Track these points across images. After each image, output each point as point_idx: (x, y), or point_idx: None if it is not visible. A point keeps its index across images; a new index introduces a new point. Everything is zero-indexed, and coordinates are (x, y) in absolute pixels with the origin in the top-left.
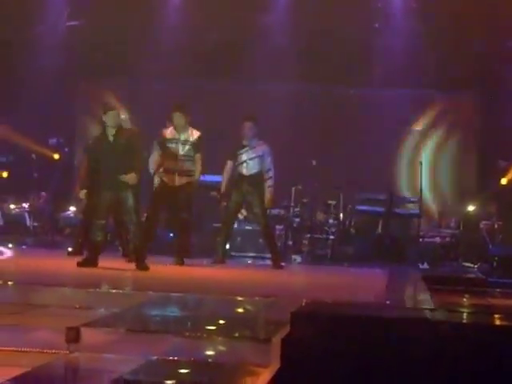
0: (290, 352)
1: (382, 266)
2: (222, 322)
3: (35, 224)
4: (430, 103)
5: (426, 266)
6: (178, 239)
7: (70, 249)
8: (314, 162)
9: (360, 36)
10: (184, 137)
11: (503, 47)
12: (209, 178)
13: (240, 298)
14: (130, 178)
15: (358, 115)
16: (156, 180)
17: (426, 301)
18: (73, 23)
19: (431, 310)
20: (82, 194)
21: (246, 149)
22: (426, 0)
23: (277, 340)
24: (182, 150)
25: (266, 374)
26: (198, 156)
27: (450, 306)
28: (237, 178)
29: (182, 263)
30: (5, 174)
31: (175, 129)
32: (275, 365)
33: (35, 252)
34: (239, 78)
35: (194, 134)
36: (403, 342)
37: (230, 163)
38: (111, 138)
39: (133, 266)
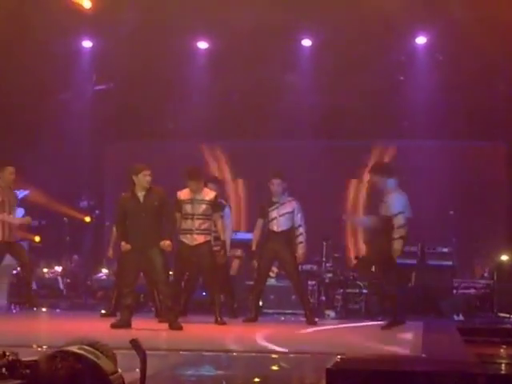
0: None
1: (417, 319)
2: (257, 380)
3: (68, 287)
4: (459, 153)
5: (461, 317)
6: (210, 299)
7: (103, 311)
8: (344, 217)
9: (385, 89)
10: (200, 196)
11: None
12: (240, 235)
13: (274, 356)
14: (167, 245)
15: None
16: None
17: (461, 353)
18: (100, 87)
19: (468, 362)
20: (110, 253)
21: (275, 205)
22: (451, 52)
23: None
24: (198, 209)
25: None
26: (216, 215)
27: (486, 357)
28: (268, 235)
29: (220, 322)
30: (37, 239)
31: (191, 190)
32: None
33: (69, 315)
34: (264, 137)
35: (210, 194)
36: None
37: (260, 221)
38: (141, 199)
39: (166, 325)
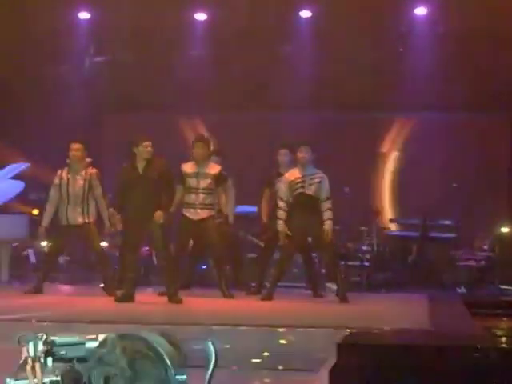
0: (338, 383)
1: (419, 291)
2: (266, 354)
3: (67, 261)
4: (459, 126)
5: (463, 290)
6: (217, 273)
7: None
8: (346, 189)
9: (385, 60)
10: (204, 170)
11: None
12: (240, 208)
13: (282, 329)
14: (157, 216)
15: (388, 140)
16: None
17: (470, 326)
18: (98, 59)
19: (478, 336)
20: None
21: (282, 177)
22: (452, 23)
23: (324, 371)
24: (203, 183)
25: None
26: (220, 189)
27: (494, 330)
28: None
29: (228, 296)
30: (35, 212)
31: (195, 162)
32: None
33: (69, 288)
34: (265, 108)
35: (215, 168)
36: (452, 369)
37: (267, 191)
38: (141, 171)
39: (165, 299)
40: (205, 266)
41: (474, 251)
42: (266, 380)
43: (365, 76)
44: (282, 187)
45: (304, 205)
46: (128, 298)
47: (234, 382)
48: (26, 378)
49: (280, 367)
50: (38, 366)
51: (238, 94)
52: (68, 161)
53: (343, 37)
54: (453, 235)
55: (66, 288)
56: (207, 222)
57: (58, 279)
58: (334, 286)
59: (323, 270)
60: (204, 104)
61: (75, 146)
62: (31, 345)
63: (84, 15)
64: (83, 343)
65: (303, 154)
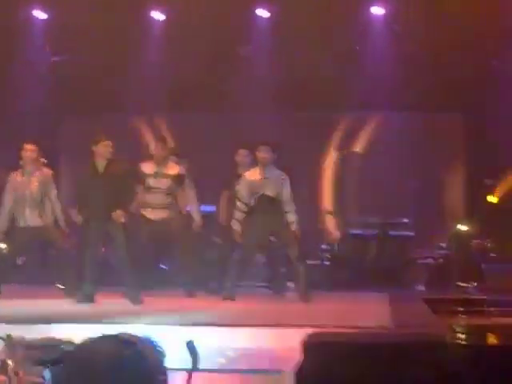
0: (304, 383)
1: (378, 290)
2: (230, 354)
3: (25, 260)
4: (414, 125)
5: (422, 287)
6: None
7: (60, 285)
8: (304, 189)
9: (342, 60)
10: (164, 170)
11: (486, 67)
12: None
13: (246, 329)
14: (118, 215)
15: (344, 139)
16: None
17: (433, 324)
18: (56, 59)
19: (441, 333)
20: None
21: (241, 178)
22: (409, 23)
23: (289, 371)
24: (162, 183)
25: None
26: (180, 189)
27: (456, 327)
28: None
29: (191, 295)
30: None
31: (155, 162)
32: None
33: (27, 289)
34: (224, 110)
35: (175, 168)
36: (417, 367)
37: (226, 192)
38: (101, 170)
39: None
40: (164, 267)
41: (432, 249)
42: (231, 381)
43: (322, 75)
44: (241, 188)
45: (265, 206)
46: (88, 298)
47: (197, 382)
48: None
49: (244, 367)
50: (19, 368)
51: (198, 94)
52: (21, 162)
53: (300, 36)
54: (411, 233)
55: (23, 289)
56: (166, 221)
57: (15, 280)
58: (293, 285)
59: (283, 270)
60: (163, 104)
61: (28, 146)
62: (8, 347)
63: (40, 14)
64: (59, 345)
65: (263, 154)
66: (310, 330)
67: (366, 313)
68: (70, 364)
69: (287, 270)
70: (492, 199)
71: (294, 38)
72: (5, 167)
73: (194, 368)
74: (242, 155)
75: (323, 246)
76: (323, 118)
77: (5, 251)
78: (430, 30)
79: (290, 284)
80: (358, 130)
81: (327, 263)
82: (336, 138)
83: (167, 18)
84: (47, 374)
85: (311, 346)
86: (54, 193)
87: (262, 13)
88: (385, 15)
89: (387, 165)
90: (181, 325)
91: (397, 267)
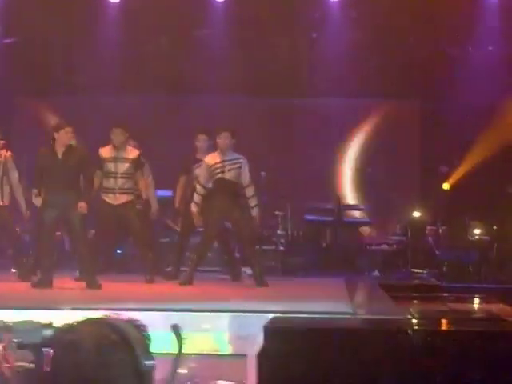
0: (266, 367)
1: (333, 275)
2: (195, 337)
3: None
4: (371, 112)
5: (377, 273)
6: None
7: (13, 270)
8: (263, 174)
9: (299, 46)
10: (122, 155)
11: (442, 54)
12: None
13: (207, 314)
14: (81, 207)
15: (302, 125)
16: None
17: (390, 309)
18: (7, 41)
19: (401, 318)
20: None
21: (201, 162)
22: (365, 9)
23: (251, 355)
24: (121, 168)
25: None
26: (139, 173)
27: (413, 313)
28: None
29: (150, 280)
30: None
31: (113, 147)
32: (252, 381)
33: None
34: (183, 91)
35: (133, 152)
36: (377, 352)
37: (183, 177)
38: (60, 156)
39: (84, 284)
40: (120, 251)
41: (386, 235)
42: (193, 365)
43: (278, 61)
44: (200, 172)
45: (223, 189)
46: (45, 283)
47: (160, 368)
48: None
49: (205, 352)
50: (9, 352)
51: (158, 77)
52: None
53: (257, 22)
54: (366, 220)
55: None
56: (127, 206)
57: None
58: (248, 270)
59: (237, 255)
60: (122, 87)
61: None
62: None
63: None
64: (39, 329)
65: (223, 139)
66: (270, 316)
67: (324, 298)
68: (56, 348)
69: (241, 255)
70: (446, 186)
71: (250, 22)
72: None
73: (180, 353)
74: (201, 140)
75: (278, 232)
76: (280, 104)
77: None
78: (388, 17)
79: (246, 269)
80: (317, 116)
81: (282, 248)
82: (293, 123)
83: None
84: (36, 358)
85: (273, 331)
86: (14, 175)
87: None
88: (340, 1)
89: (343, 151)
90: (143, 310)
91: (351, 253)
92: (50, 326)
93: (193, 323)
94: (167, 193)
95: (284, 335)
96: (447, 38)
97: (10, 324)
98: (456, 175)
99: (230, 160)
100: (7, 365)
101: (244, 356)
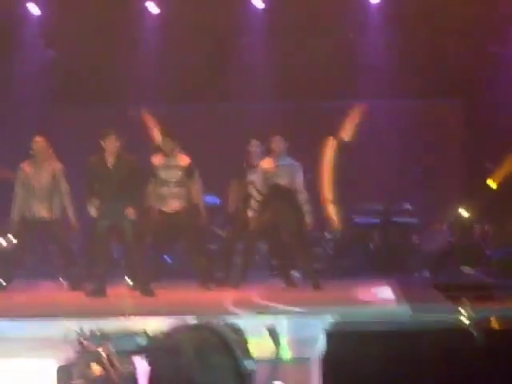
0: (331, 371)
1: (384, 277)
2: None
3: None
4: (413, 113)
5: (427, 274)
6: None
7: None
8: (308, 176)
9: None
10: (174, 162)
11: (483, 54)
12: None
13: (265, 317)
14: (129, 212)
15: (346, 128)
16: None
17: (449, 310)
18: (50, 53)
19: (460, 318)
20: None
21: (256, 168)
22: (405, 11)
23: (313, 359)
24: (174, 175)
25: None
26: (191, 180)
27: (470, 313)
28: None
29: (206, 287)
30: None
31: (164, 155)
32: None
33: (31, 284)
34: (229, 99)
35: (185, 160)
36: (437, 353)
37: (235, 182)
38: (110, 166)
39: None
40: (169, 258)
41: (433, 235)
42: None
43: (320, 65)
44: (256, 177)
45: (277, 194)
46: (99, 292)
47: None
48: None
49: (265, 356)
50: (114, 359)
51: (201, 85)
52: (31, 152)
53: (296, 27)
54: (414, 220)
55: (27, 284)
56: (179, 213)
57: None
58: (297, 273)
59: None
60: (167, 97)
61: (38, 138)
62: (93, 339)
63: (34, 9)
64: (133, 337)
65: (276, 144)
66: (328, 318)
67: (379, 300)
68: (155, 354)
69: (292, 259)
70: (492, 184)
71: (290, 28)
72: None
73: (278, 356)
74: (254, 145)
75: (326, 235)
76: (322, 107)
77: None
78: (427, 17)
79: (294, 272)
80: (359, 118)
81: (330, 251)
82: (336, 126)
83: (162, 10)
84: (138, 363)
85: (335, 335)
86: (65, 187)
87: (257, 3)
88: (381, 3)
89: (390, 152)
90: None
91: (400, 254)
92: (143, 333)
93: (251, 327)
94: (214, 199)
95: (348, 339)
96: (489, 37)
97: (109, 333)
98: (501, 173)
99: (285, 165)
100: (113, 370)
101: (307, 359)
